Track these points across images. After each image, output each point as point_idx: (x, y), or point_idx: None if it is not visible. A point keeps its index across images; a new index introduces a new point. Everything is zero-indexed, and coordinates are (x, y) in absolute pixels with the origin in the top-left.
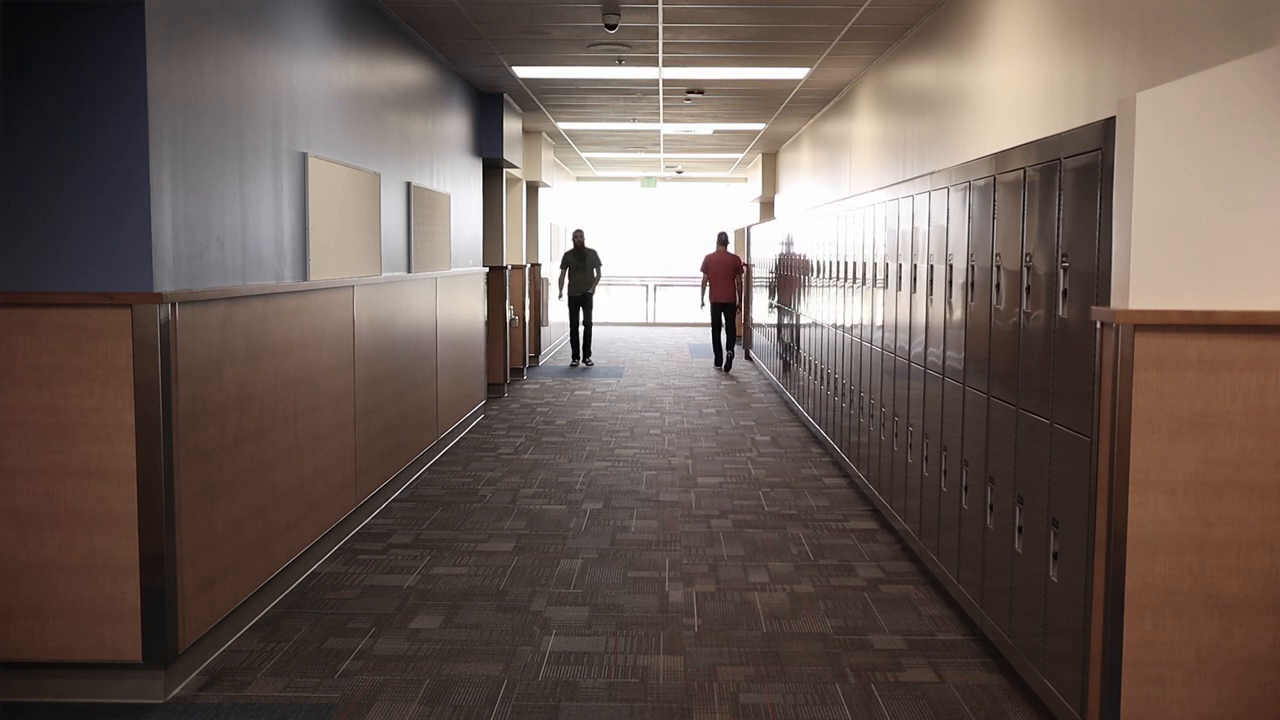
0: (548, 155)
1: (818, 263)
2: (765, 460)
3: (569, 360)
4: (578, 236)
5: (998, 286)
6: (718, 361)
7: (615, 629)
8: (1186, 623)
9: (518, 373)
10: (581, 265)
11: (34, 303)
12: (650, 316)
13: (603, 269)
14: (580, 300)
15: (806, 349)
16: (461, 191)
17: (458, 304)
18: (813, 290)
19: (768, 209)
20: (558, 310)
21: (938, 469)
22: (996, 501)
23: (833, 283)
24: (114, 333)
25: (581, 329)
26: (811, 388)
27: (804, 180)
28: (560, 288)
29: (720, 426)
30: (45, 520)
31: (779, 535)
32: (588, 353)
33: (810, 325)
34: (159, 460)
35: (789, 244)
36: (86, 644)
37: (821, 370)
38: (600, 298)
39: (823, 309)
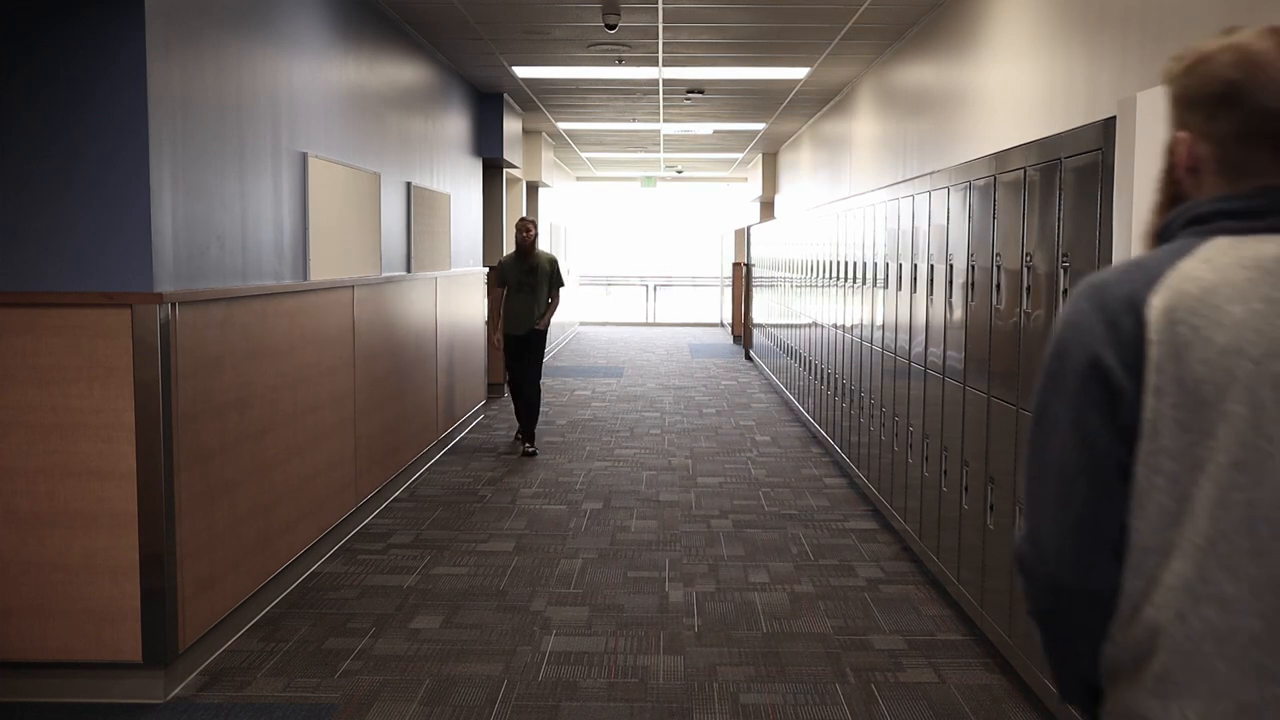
0: (548, 155)
1: (818, 263)
2: (765, 460)
3: (511, 433)
4: (523, 232)
5: (998, 286)
6: None
7: (615, 629)
8: None
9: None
10: (529, 281)
11: (34, 303)
12: (650, 316)
13: (561, 290)
14: (521, 343)
15: (806, 349)
16: (461, 191)
17: (458, 304)
18: (813, 290)
19: (768, 209)
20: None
21: (938, 469)
22: (996, 501)
23: (833, 283)
24: (114, 333)
25: (524, 394)
26: (811, 388)
27: (804, 180)
28: (493, 323)
29: (720, 426)
30: (45, 520)
31: (779, 535)
32: (529, 434)
33: (810, 325)
34: (159, 460)
35: (789, 244)
36: (86, 644)
37: (821, 370)
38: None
39: (823, 309)
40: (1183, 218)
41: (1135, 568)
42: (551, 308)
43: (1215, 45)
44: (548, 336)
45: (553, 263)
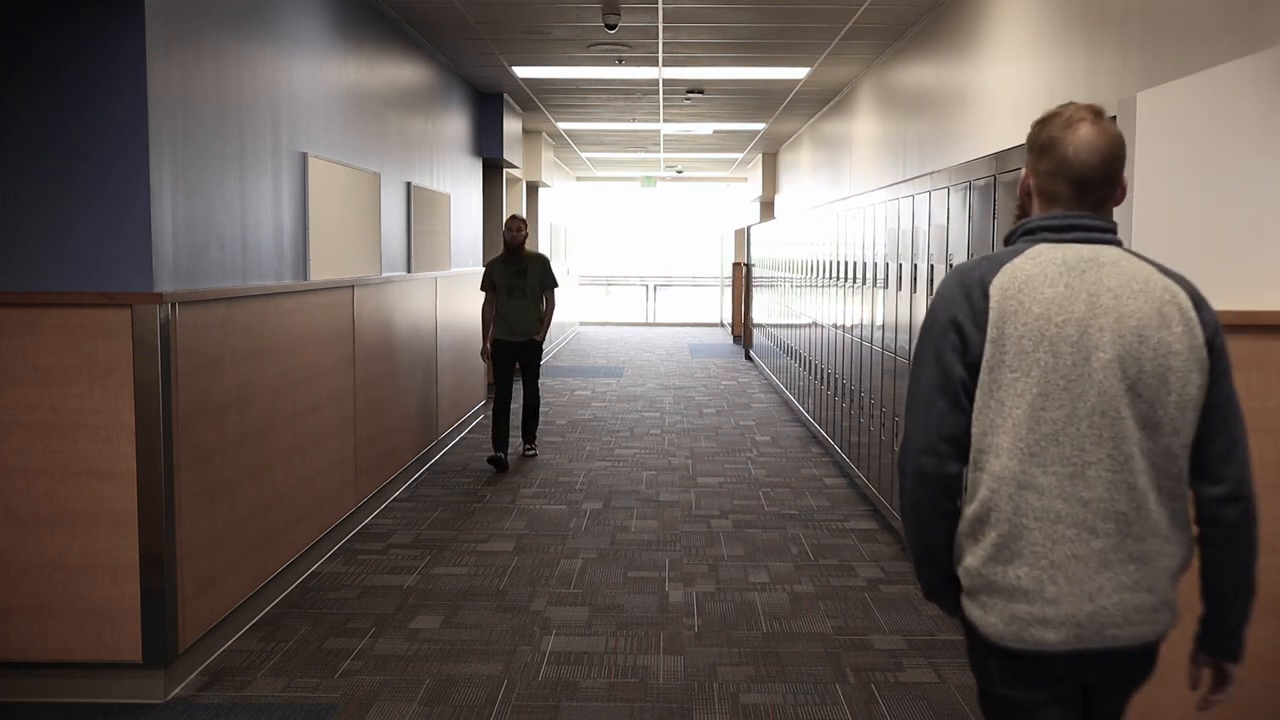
0: (548, 155)
1: (818, 263)
2: (765, 460)
3: (488, 452)
4: (513, 231)
5: None
6: None
7: (615, 629)
8: (1186, 623)
9: (517, 373)
10: (519, 284)
11: (34, 303)
12: (650, 316)
13: (555, 292)
14: (515, 351)
15: (806, 349)
16: (461, 191)
17: (458, 304)
18: (813, 290)
19: (768, 209)
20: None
21: None
22: None
23: (833, 283)
24: (114, 333)
25: (520, 400)
26: (811, 388)
27: (804, 180)
28: (485, 333)
29: (720, 426)
30: (45, 520)
31: (779, 535)
32: (531, 436)
33: (810, 325)
34: (159, 460)
35: (789, 244)
36: (86, 644)
37: (821, 370)
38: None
39: (822, 309)
40: (1021, 229)
41: (974, 462)
42: (548, 314)
43: (1056, 110)
44: (546, 336)
45: (543, 262)
